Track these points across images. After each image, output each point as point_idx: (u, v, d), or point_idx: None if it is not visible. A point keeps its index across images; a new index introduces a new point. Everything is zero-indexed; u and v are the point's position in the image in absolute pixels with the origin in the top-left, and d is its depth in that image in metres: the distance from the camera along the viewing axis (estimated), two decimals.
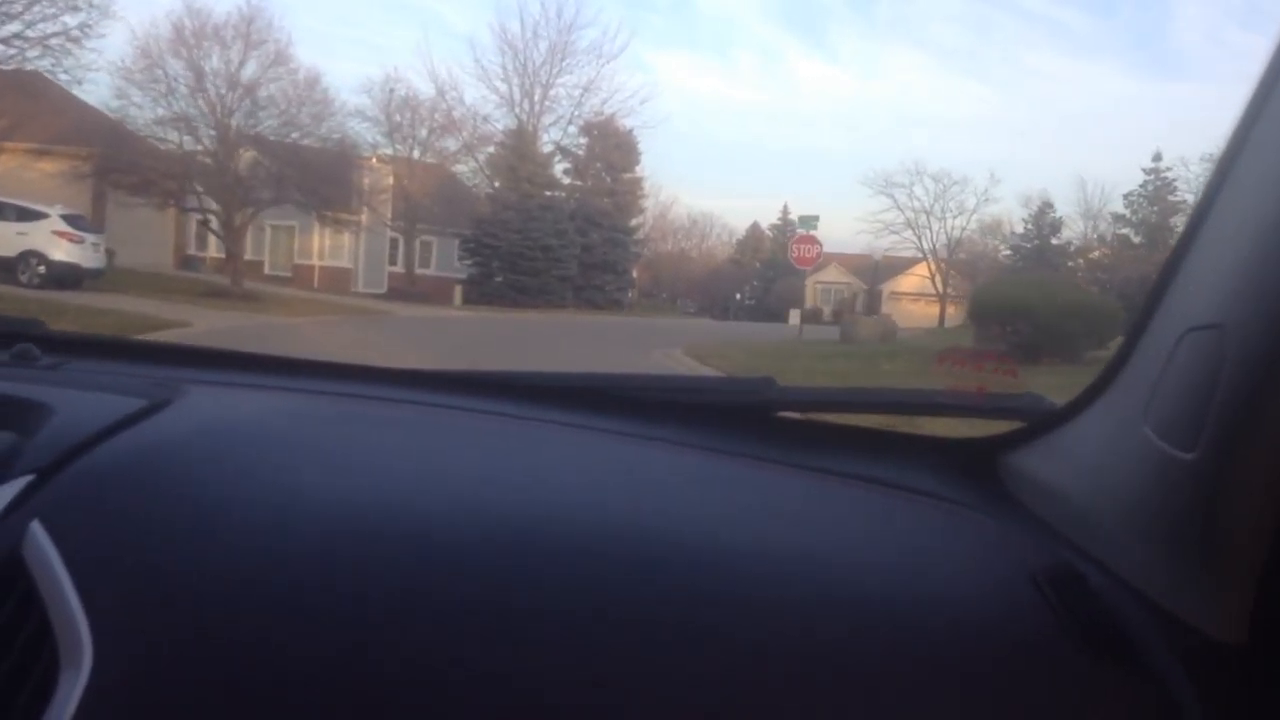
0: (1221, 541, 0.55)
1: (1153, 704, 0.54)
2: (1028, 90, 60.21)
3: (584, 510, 0.70)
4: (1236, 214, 0.57)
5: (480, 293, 29.63)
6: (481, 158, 33.54)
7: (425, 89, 39.23)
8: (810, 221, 21.53)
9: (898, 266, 41.60)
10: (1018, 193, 50.80)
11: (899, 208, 41.23)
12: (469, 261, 30.68)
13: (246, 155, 21.25)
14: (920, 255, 40.80)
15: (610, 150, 34.68)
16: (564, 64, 35.15)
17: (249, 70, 21.44)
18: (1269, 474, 0.52)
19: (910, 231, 40.83)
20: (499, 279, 29.96)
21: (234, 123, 20.78)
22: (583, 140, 35.70)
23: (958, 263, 39.57)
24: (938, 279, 39.14)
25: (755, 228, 50.43)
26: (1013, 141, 64.75)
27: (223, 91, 20.85)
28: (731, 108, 72.44)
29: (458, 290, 29.66)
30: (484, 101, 43.37)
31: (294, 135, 21.79)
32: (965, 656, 0.57)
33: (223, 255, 21.05)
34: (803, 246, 20.79)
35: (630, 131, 35.45)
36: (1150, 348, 0.67)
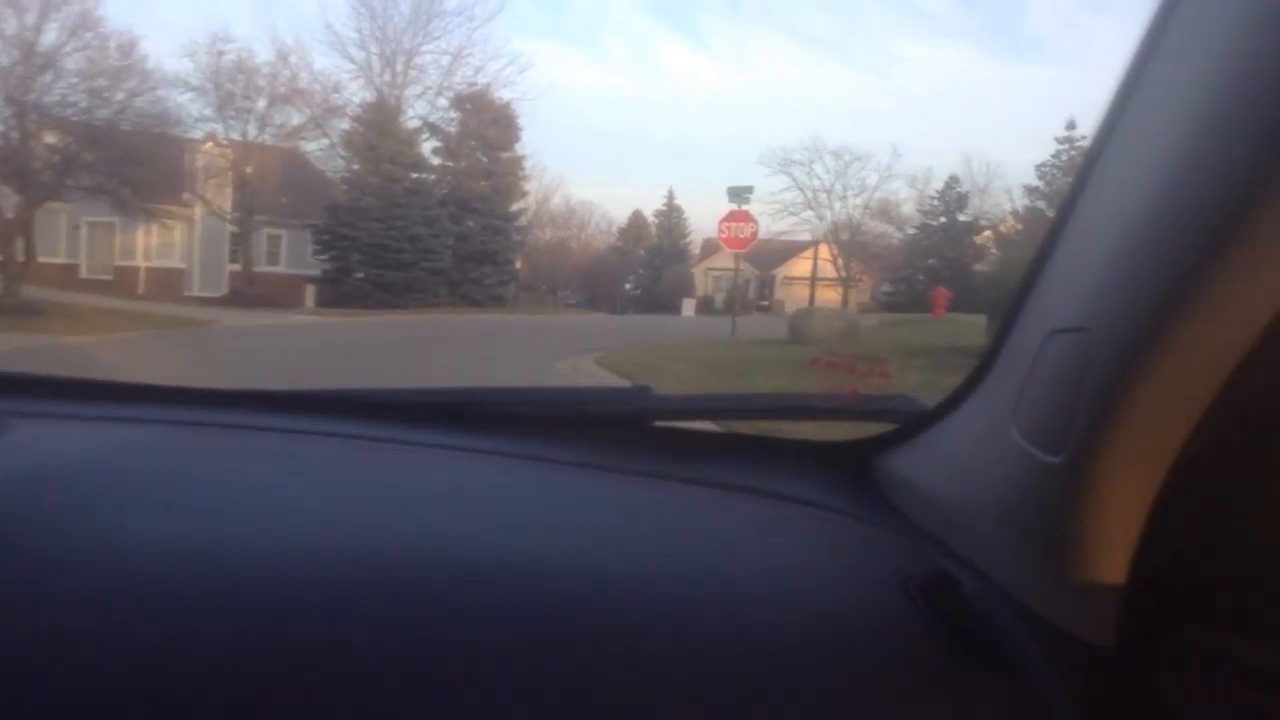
0: (1088, 545, 0.58)
1: (1024, 708, 0.57)
2: (896, 76, 63.73)
3: (435, 541, 0.71)
4: (1099, 216, 0.60)
5: (338, 292, 28.35)
6: (335, 135, 32.21)
7: (263, 53, 37.18)
8: (741, 194, 18.98)
9: (792, 250, 42.13)
10: (903, 173, 52.57)
11: (799, 186, 41.93)
12: (324, 256, 29.34)
13: (47, 138, 19.88)
14: (814, 238, 41.40)
15: (486, 126, 33.53)
16: (429, 27, 34.21)
17: (48, 37, 20.05)
18: (1134, 478, 0.56)
19: (811, 212, 41.62)
20: (359, 275, 28.68)
21: (31, 99, 19.41)
22: (454, 115, 34.56)
23: (854, 245, 40.58)
24: (840, 261, 39.90)
25: (638, 215, 51.13)
26: (887, 125, 68.57)
27: (16, 61, 19.48)
28: (605, 96, 75.07)
29: (310, 290, 28.46)
30: (337, 71, 42.06)
31: (105, 113, 20.42)
32: (837, 666, 0.59)
33: (23, 259, 19.34)
34: (734, 226, 18.37)
35: (508, 104, 34.51)
36: (1016, 349, 0.71)
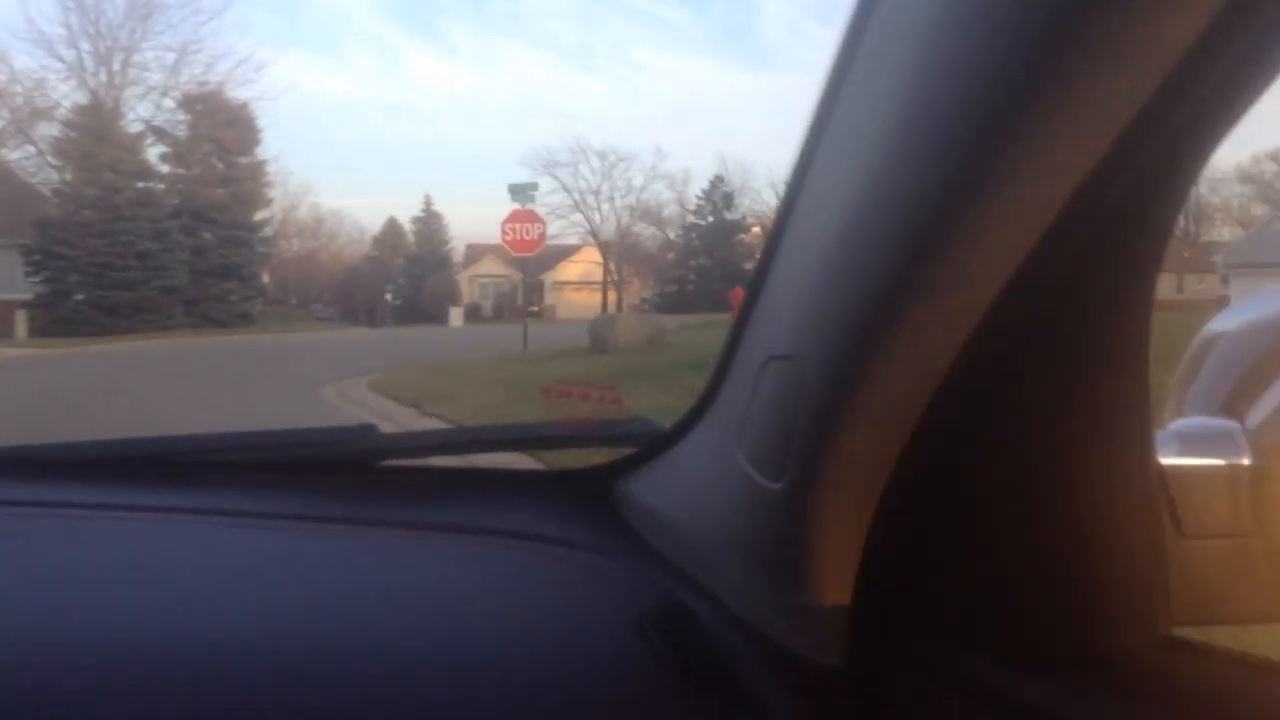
0: (812, 568, 0.59)
1: None
2: (639, 81, 66.95)
3: (93, 628, 0.62)
4: (801, 243, 0.61)
5: (55, 318, 25.68)
6: (43, 142, 29.11)
7: None
8: (525, 192, 16.86)
9: (559, 254, 41.73)
10: (667, 174, 54.25)
11: (566, 189, 41.90)
12: (37, 278, 26.52)
13: None
14: (581, 241, 41.84)
15: (221, 128, 31.04)
16: (149, 22, 31.48)
17: None
18: (850, 501, 0.56)
19: (579, 214, 41.81)
20: (79, 298, 26.14)
21: None
22: (183, 117, 31.94)
23: (623, 247, 41.32)
24: (612, 264, 40.54)
25: (393, 223, 49.76)
26: (637, 129, 71.51)
27: None
28: (350, 103, 73.86)
29: (21, 317, 25.52)
30: (43, 71, 37.97)
31: None
32: (565, 712, 0.57)
33: None
34: (519, 227, 16.20)
35: (245, 105, 32.17)
36: (739, 373, 0.71)
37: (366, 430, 0.99)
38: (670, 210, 42.51)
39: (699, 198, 41.72)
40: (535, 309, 40.26)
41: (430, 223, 47.79)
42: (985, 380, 0.51)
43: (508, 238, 16.53)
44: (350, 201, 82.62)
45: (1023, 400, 0.51)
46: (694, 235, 41.21)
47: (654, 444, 0.88)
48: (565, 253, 42.42)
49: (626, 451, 0.93)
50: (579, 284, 42.42)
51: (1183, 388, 0.64)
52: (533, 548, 0.82)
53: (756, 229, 39.78)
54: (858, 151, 0.52)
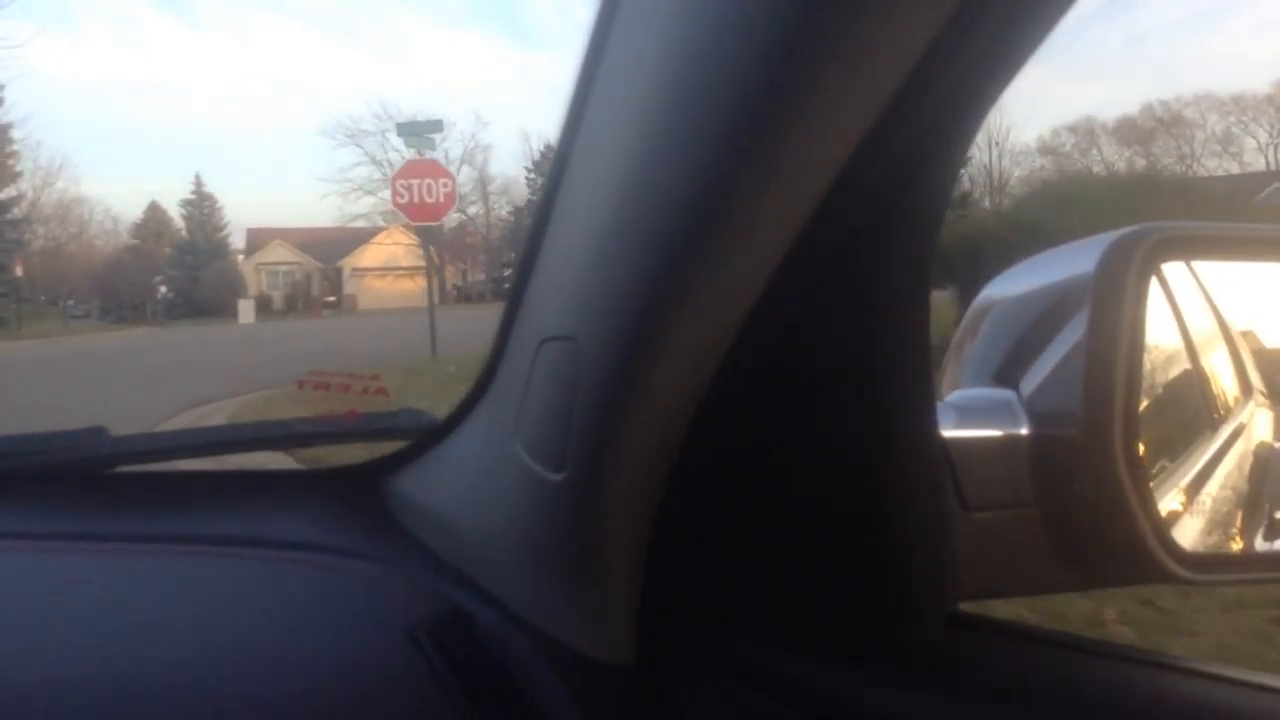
0: (597, 563, 0.57)
1: None
2: (407, 55, 65.65)
3: None
4: (572, 219, 0.58)
5: None
6: None
7: None
8: (422, 135, 12.15)
9: (359, 238, 37.73)
10: (483, 146, 50.46)
11: (373, 161, 37.09)
12: None
13: None
14: (386, 223, 37.12)
15: None
16: None
17: None
18: (634, 490, 0.54)
19: (389, 191, 38.29)
20: None
21: None
22: None
23: (437, 230, 38.54)
24: (433, 250, 37.39)
25: (156, 208, 45.40)
26: (448, 96, 69.62)
27: None
28: (94, 83, 67.63)
29: None
30: None
31: None
32: None
33: None
34: (417, 185, 11.22)
35: None
36: (514, 358, 0.68)
37: (96, 433, 0.90)
38: (506, 184, 38.70)
39: (528, 170, 37.50)
40: (333, 299, 36.65)
41: (202, 205, 44.01)
42: (766, 361, 0.50)
43: (401, 200, 11.44)
44: (108, 189, 75.71)
45: (805, 380, 0.50)
46: (528, 214, 40.04)
47: (425, 437, 0.84)
48: (366, 235, 38.11)
49: (395, 446, 0.87)
50: (382, 270, 37.94)
51: (958, 358, 0.63)
52: (291, 557, 0.76)
53: None
54: (623, 134, 0.51)
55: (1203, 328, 0.62)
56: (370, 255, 38.18)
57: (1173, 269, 0.59)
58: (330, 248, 37.14)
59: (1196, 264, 0.61)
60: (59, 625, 0.64)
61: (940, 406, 0.57)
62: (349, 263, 38.10)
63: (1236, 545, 0.58)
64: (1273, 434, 0.62)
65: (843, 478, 0.50)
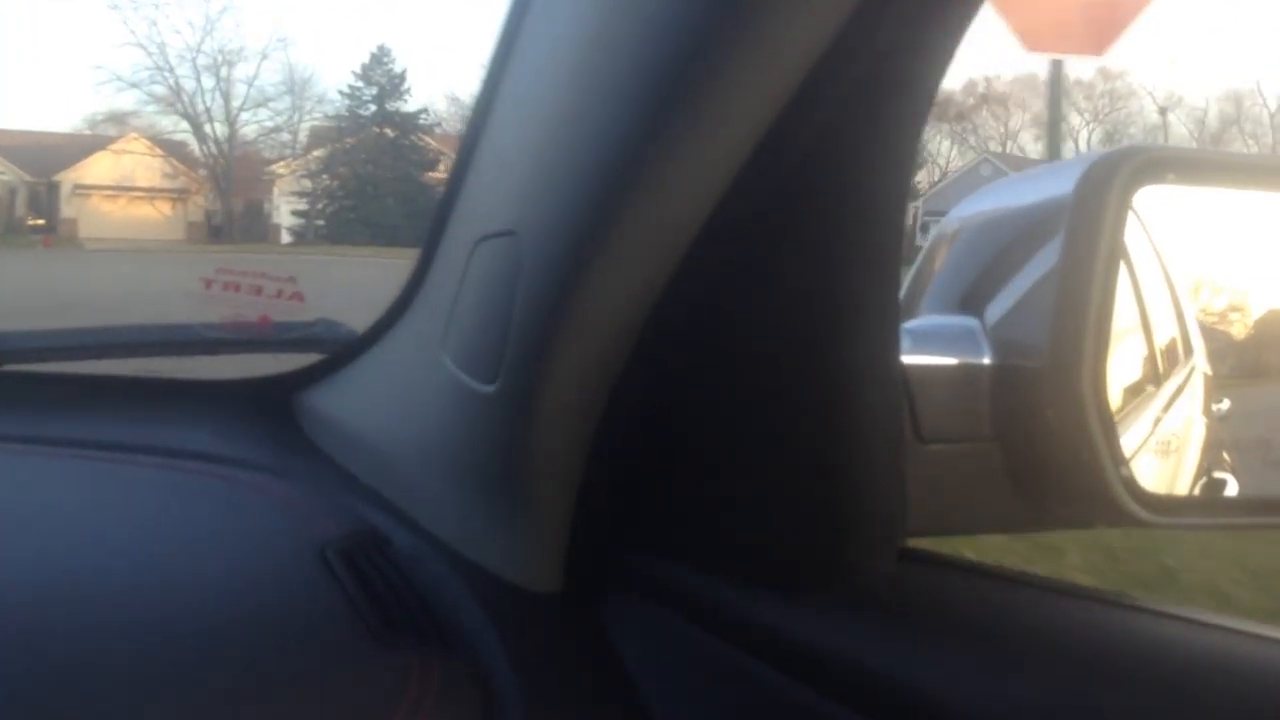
0: (526, 483, 0.54)
1: (457, 670, 0.52)
2: None
3: None
4: (517, 111, 0.55)
5: None
6: None
7: None
8: None
9: (87, 145, 26.43)
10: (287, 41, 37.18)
11: (141, 44, 28.08)
12: None
13: None
14: (123, 130, 26.66)
15: None
16: None
17: None
18: (573, 404, 0.51)
19: (164, 85, 26.13)
20: None
21: None
22: None
23: (236, 145, 26.16)
24: (217, 171, 25.99)
25: None
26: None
27: None
28: None
29: None
30: None
31: None
32: (231, 660, 0.51)
33: None
34: None
35: None
36: (445, 262, 0.64)
37: None
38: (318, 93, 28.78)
39: (355, 78, 27.16)
40: (41, 222, 24.98)
41: None
42: (721, 272, 0.47)
43: None
44: None
45: (762, 294, 0.47)
46: (346, 132, 26.62)
47: (343, 350, 0.80)
48: (96, 143, 26.66)
49: (310, 359, 0.83)
50: (115, 190, 26.78)
51: (919, 283, 0.60)
52: (192, 468, 0.72)
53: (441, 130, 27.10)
54: (575, 16, 0.49)
55: (1173, 261, 0.60)
56: (101, 169, 26.74)
57: (1148, 195, 0.56)
58: (47, 156, 25.51)
59: (1172, 191, 0.58)
60: None
61: (899, 332, 0.54)
62: (70, 177, 26.36)
63: (1195, 490, 0.57)
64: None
65: (795, 401, 0.47)
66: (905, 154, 0.45)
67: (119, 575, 0.57)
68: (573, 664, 0.55)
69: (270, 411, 0.82)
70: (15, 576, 0.55)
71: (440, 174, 25.70)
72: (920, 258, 0.62)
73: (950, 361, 0.53)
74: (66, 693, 0.46)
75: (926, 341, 0.54)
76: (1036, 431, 0.50)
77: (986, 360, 0.52)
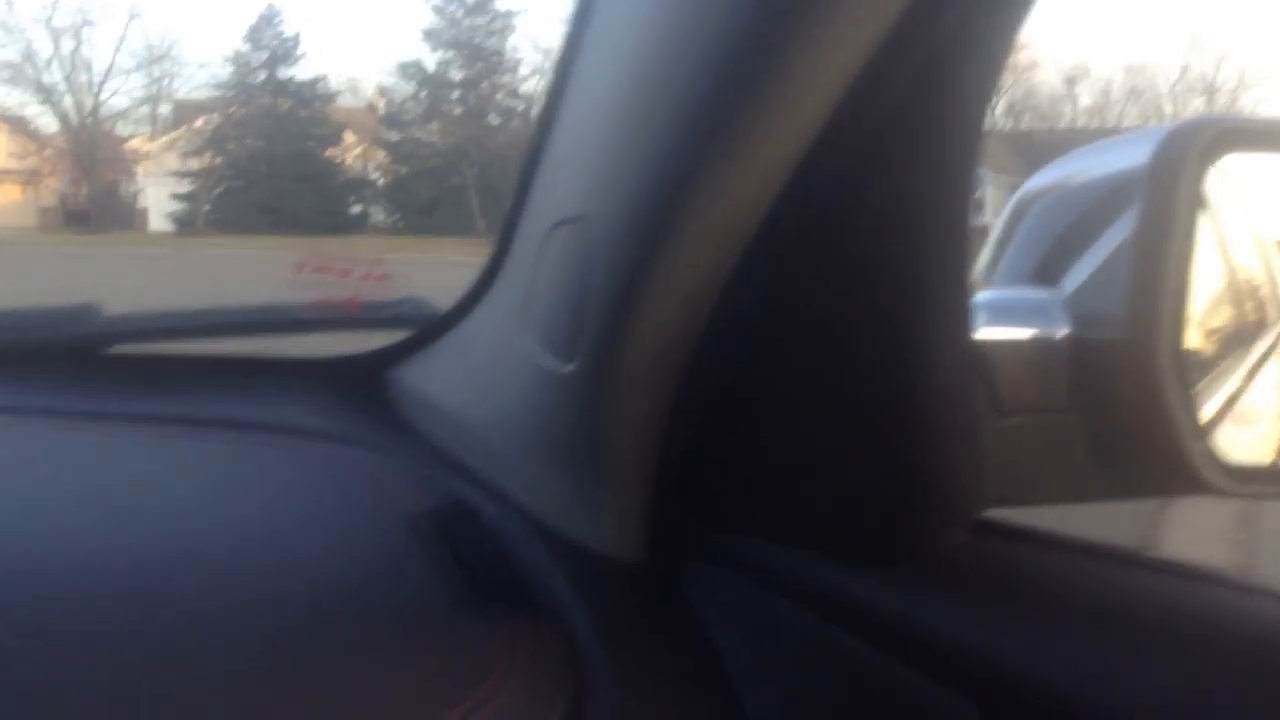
0: (607, 457, 0.56)
1: (546, 638, 0.54)
2: None
3: None
4: (589, 97, 0.56)
5: None
6: None
7: None
8: None
9: None
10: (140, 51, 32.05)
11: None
12: None
13: None
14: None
15: None
16: None
17: None
18: (649, 381, 0.52)
19: (18, 47, 21.72)
20: None
21: None
22: None
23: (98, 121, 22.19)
24: (79, 148, 21.17)
25: None
26: None
27: None
28: None
29: None
30: None
31: None
32: (335, 624, 0.53)
33: None
34: None
35: None
36: (524, 243, 0.65)
37: (88, 310, 0.88)
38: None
39: (242, 41, 23.78)
40: None
41: None
42: (795, 247, 0.48)
43: None
44: None
45: (836, 269, 0.48)
46: (233, 103, 23.17)
47: (429, 328, 0.82)
48: None
49: (397, 337, 0.85)
50: None
51: (997, 253, 0.61)
52: (289, 443, 0.75)
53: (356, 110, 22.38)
54: (643, 16, 0.50)
55: (1250, 231, 0.60)
56: None
57: (1225, 166, 0.55)
58: None
59: (1248, 163, 0.58)
60: (53, 497, 0.64)
61: (974, 305, 0.55)
62: None
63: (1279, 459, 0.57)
64: None
65: (870, 375, 0.48)
66: (977, 121, 0.45)
67: (222, 546, 0.59)
68: (657, 631, 0.57)
69: (361, 388, 0.85)
70: (127, 546, 0.58)
71: (345, 150, 22.36)
72: (998, 227, 0.62)
73: (1027, 333, 0.53)
74: (174, 660, 0.48)
75: (1002, 314, 0.54)
76: (1114, 403, 0.51)
77: (1063, 332, 0.53)
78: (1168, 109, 28.78)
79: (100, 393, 0.82)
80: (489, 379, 0.70)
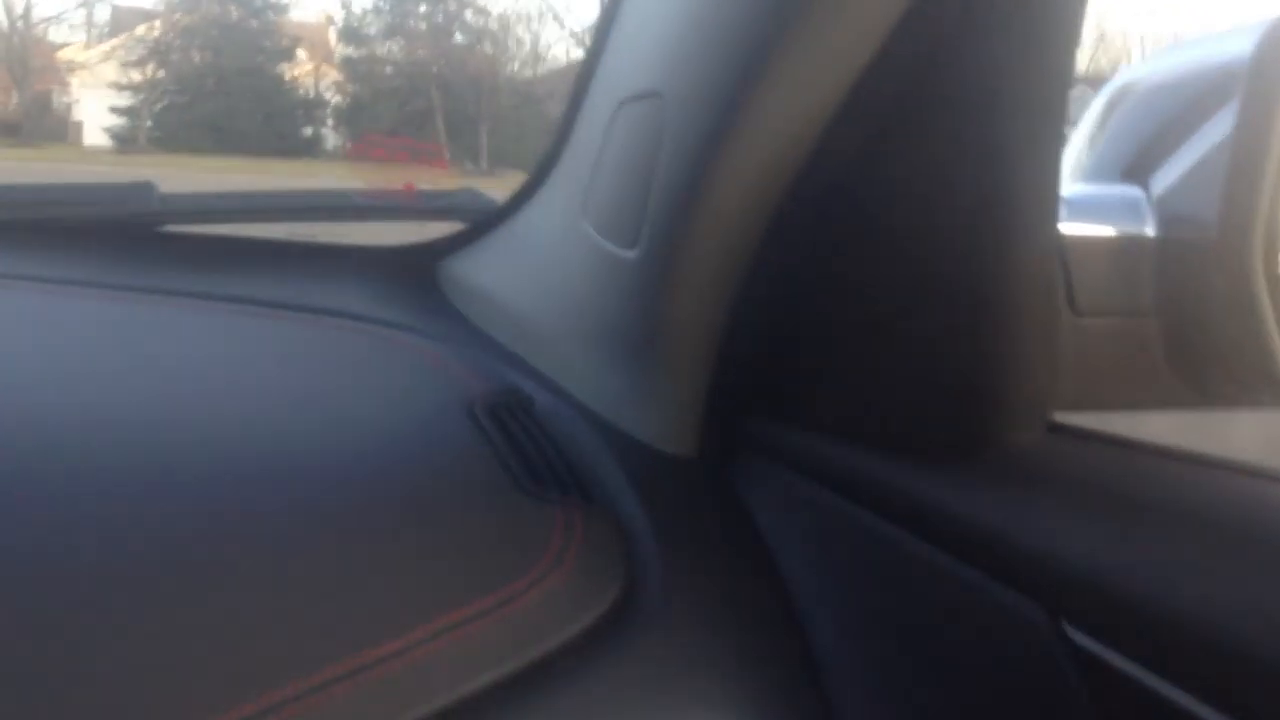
0: (666, 349, 0.55)
1: (599, 526, 0.54)
2: None
3: None
4: None
5: None
6: None
7: None
8: None
9: None
10: None
11: None
12: None
13: None
14: None
15: None
16: None
17: None
18: (711, 272, 0.51)
19: None
20: None
21: None
22: None
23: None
24: (11, 56, 18.48)
25: None
26: None
27: None
28: None
29: None
30: None
31: None
32: (388, 505, 0.53)
33: None
34: None
35: None
36: (586, 127, 0.64)
37: (145, 188, 0.88)
38: None
39: None
40: None
41: None
42: (869, 137, 0.46)
43: None
44: None
45: (912, 163, 0.46)
46: (177, 8, 20.40)
47: (485, 219, 0.81)
48: None
49: (453, 228, 0.85)
50: None
51: (1086, 149, 0.58)
52: (346, 325, 0.75)
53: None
54: None
55: None
56: None
57: None
58: None
59: None
60: (114, 366, 0.64)
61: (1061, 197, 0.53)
62: None
63: None
64: None
65: (942, 268, 0.46)
66: (1076, 9, 0.42)
67: (278, 421, 0.60)
68: (706, 520, 0.57)
69: (415, 277, 0.84)
70: (181, 419, 0.59)
71: (298, 69, 20.22)
72: (1089, 122, 0.60)
73: (1111, 232, 0.52)
74: (227, 535, 0.49)
75: (1087, 211, 0.52)
76: (1201, 307, 0.49)
77: (1150, 232, 0.51)
78: None
79: (154, 269, 0.83)
80: (545, 268, 0.69)
